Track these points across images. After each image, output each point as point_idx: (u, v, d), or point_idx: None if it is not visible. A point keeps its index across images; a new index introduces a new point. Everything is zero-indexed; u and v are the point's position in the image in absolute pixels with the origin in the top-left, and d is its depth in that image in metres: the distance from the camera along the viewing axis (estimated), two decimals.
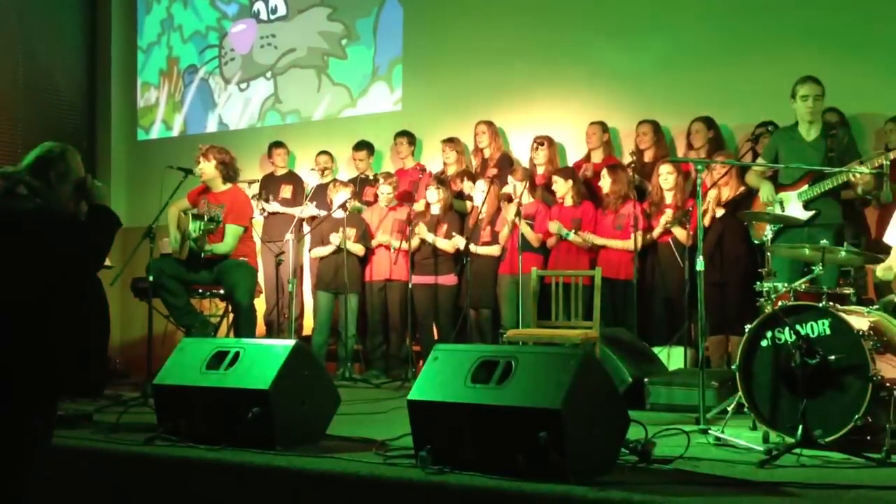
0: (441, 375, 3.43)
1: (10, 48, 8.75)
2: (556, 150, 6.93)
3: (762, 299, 4.16)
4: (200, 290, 6.11)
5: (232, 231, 5.81)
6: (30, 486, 3.06)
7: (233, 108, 8.89)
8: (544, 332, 5.46)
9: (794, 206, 5.04)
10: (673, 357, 5.79)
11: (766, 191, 5.18)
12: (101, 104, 9.46)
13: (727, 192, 5.89)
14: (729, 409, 4.21)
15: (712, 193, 5.84)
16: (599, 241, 6.19)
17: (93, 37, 9.48)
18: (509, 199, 6.46)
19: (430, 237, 6.74)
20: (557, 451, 2.99)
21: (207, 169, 5.92)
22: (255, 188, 7.71)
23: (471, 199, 6.84)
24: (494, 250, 6.58)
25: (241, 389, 3.80)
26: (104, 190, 3.35)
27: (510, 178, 6.48)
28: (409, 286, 6.73)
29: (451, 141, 7.23)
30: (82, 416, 4.54)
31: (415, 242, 6.81)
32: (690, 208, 5.72)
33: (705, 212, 5.53)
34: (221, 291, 6.03)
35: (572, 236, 6.20)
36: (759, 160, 5.41)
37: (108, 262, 6.21)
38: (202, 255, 5.72)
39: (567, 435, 3.00)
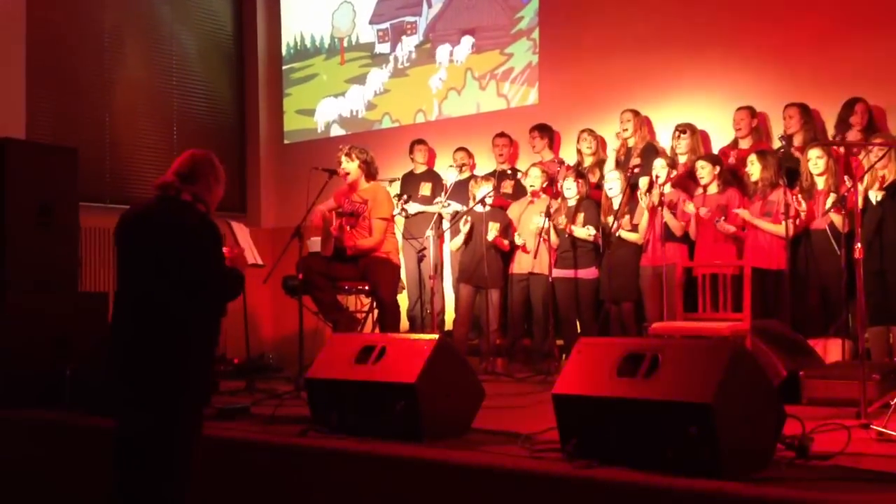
0: (586, 369, 3.41)
1: (166, 51, 9.22)
2: (698, 139, 6.73)
3: None
4: (346, 287, 6.29)
5: (378, 226, 5.97)
6: (186, 488, 3.24)
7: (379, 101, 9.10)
8: (691, 326, 5.32)
9: None
10: (830, 350, 5.54)
11: None
12: (250, 107, 9.88)
13: (887, 176, 5.57)
14: (892, 402, 3.99)
15: (868, 177, 5.53)
16: (754, 220, 5.97)
17: (241, 39, 9.91)
18: (648, 189, 6.34)
19: (569, 227, 6.68)
20: (709, 446, 2.92)
21: (351, 168, 6.10)
22: (396, 186, 7.86)
23: (608, 189, 6.74)
24: (635, 237, 6.46)
25: (388, 383, 3.89)
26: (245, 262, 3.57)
27: (655, 164, 6.35)
28: (550, 280, 6.70)
29: (588, 131, 7.16)
30: (241, 409, 4.75)
31: (554, 237, 6.77)
32: (846, 193, 5.45)
33: (862, 196, 5.25)
34: (366, 287, 6.18)
35: (721, 223, 6.00)
36: None
37: (259, 262, 6.51)
38: (347, 252, 5.89)
39: (719, 430, 2.92)
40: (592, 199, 6.88)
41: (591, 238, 6.64)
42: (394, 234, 6.32)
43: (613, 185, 6.55)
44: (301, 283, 5.84)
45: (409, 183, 7.92)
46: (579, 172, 6.97)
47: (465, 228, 7.01)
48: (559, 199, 6.95)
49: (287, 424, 4.17)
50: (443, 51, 8.67)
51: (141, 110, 8.97)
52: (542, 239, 6.77)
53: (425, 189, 7.83)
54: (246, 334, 6.30)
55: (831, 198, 5.71)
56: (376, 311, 6.17)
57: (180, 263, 3.18)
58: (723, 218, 6.01)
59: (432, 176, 7.98)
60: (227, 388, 5.74)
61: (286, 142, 9.77)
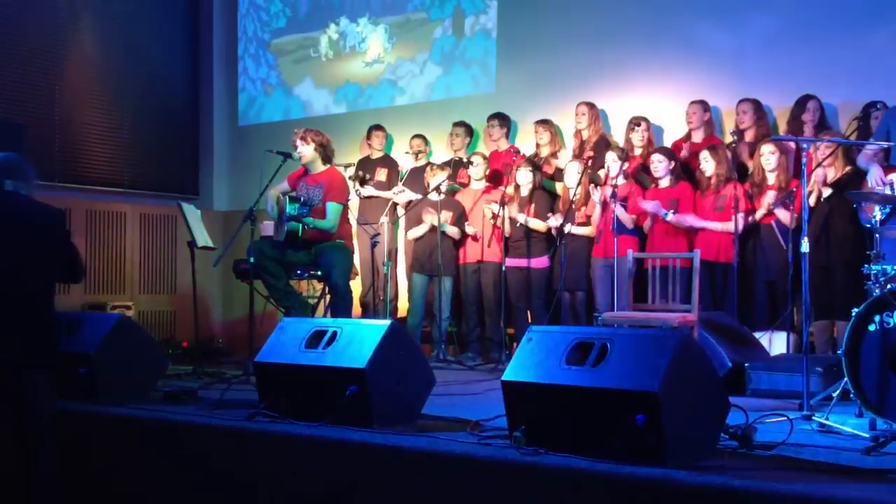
0: (535, 357, 3.42)
1: (113, 32, 9.00)
2: (651, 131, 6.80)
3: (870, 282, 4.02)
4: (299, 272, 6.24)
5: (333, 208, 5.92)
6: (45, 447, 3.54)
7: (336, 90, 9.02)
8: (641, 316, 5.38)
9: None
10: (775, 342, 5.64)
11: (875, 173, 4.98)
12: (204, 89, 9.74)
13: (833, 172, 5.68)
14: (834, 395, 4.08)
15: (817, 174, 5.63)
16: (699, 223, 6.06)
17: (195, 22, 9.75)
18: (597, 183, 6.39)
19: (521, 217, 6.72)
20: (655, 434, 2.96)
21: (306, 151, 6.05)
22: (352, 171, 7.82)
23: (563, 179, 6.79)
24: (588, 230, 6.52)
25: (338, 368, 3.88)
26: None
27: (607, 157, 6.40)
28: (503, 269, 6.72)
29: (544, 122, 7.19)
30: (188, 393, 4.71)
31: (507, 226, 6.79)
32: (794, 189, 5.54)
33: (810, 192, 5.35)
34: (319, 273, 6.15)
35: (670, 216, 6.07)
36: (870, 140, 5.20)
37: (210, 244, 6.43)
38: (300, 234, 5.84)
39: (665, 418, 2.96)
40: (546, 190, 6.92)
41: (544, 229, 6.68)
42: (348, 219, 6.28)
43: (571, 176, 6.59)
44: (252, 267, 5.79)
45: (366, 168, 7.88)
46: (534, 163, 7.00)
47: (428, 219, 6.97)
48: (513, 189, 6.98)
49: (235, 409, 4.14)
50: (400, 35, 8.63)
51: (93, 88, 8.79)
52: (494, 228, 6.80)
53: (381, 175, 7.80)
54: (195, 317, 6.24)
55: (769, 195, 5.80)
56: (329, 297, 6.14)
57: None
58: (672, 211, 6.08)
59: (389, 162, 7.95)
60: (174, 372, 5.68)
61: (241, 123, 9.65)
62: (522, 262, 6.80)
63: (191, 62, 9.73)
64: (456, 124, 7.69)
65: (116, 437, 4.20)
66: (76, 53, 8.68)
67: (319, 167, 6.08)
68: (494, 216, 6.69)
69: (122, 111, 8.97)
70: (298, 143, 6.06)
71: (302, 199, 5.88)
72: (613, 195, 6.13)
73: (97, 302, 8.15)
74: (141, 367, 4.75)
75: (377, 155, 7.98)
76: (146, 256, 8.84)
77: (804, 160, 4.40)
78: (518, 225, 6.76)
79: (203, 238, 6.27)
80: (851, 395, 3.88)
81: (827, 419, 3.79)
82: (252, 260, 5.77)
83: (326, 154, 6.08)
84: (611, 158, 6.41)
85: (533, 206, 6.77)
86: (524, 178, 6.85)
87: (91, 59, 8.79)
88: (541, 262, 6.78)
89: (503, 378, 3.44)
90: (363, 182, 7.59)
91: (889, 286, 3.87)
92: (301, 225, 5.81)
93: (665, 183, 6.29)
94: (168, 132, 9.39)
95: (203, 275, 6.72)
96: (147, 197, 9.04)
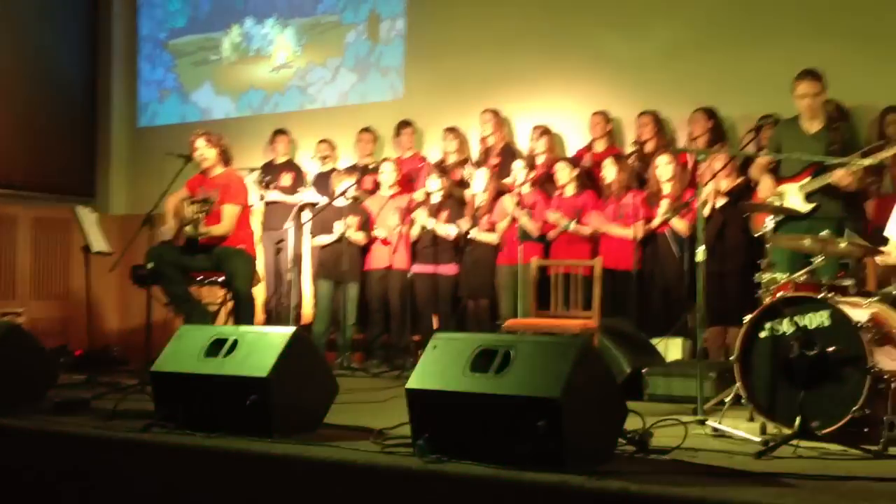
0: (440, 364, 3.42)
1: (9, 31, 8.69)
2: (555, 139, 6.92)
3: (761, 290, 4.16)
4: (199, 278, 6.10)
5: (229, 211, 5.79)
6: None
7: (237, 93, 8.86)
8: (543, 322, 5.45)
9: (794, 198, 5.02)
10: (671, 348, 5.78)
11: (766, 184, 5.17)
12: (102, 89, 9.43)
13: (727, 183, 5.88)
14: (727, 400, 4.21)
15: (712, 184, 5.82)
16: (602, 226, 6.17)
17: (94, 21, 9.45)
18: (503, 191, 6.46)
19: (430, 223, 6.73)
20: (555, 440, 2.99)
21: (209, 154, 5.91)
22: (256, 175, 7.70)
23: (470, 186, 6.84)
24: (493, 238, 6.58)
25: (239, 377, 3.79)
26: None
27: (515, 165, 6.47)
28: (409, 275, 6.72)
29: (452, 130, 7.23)
30: (80, 403, 4.54)
31: (415, 231, 6.80)
32: (690, 199, 5.71)
33: (705, 202, 5.52)
34: (220, 279, 6.02)
35: (573, 226, 6.18)
36: (763, 153, 5.40)
37: (106, 249, 6.24)
38: (198, 238, 5.71)
39: (565, 424, 2.99)
40: (455, 197, 6.95)
41: (453, 236, 6.71)
42: (250, 224, 6.17)
43: (479, 183, 6.63)
44: (150, 273, 5.63)
45: (270, 173, 7.76)
46: (442, 169, 7.02)
47: (339, 228, 6.89)
48: (423, 195, 6.98)
49: (130, 419, 4.01)
50: (307, 39, 8.54)
51: None
52: (400, 234, 6.79)
53: (286, 179, 7.70)
54: (89, 325, 6.04)
55: (663, 204, 5.97)
56: (230, 304, 6.02)
57: None
58: (575, 221, 6.19)
59: (293, 167, 7.85)
60: (66, 381, 5.47)
61: (140, 125, 9.39)
62: (430, 269, 6.81)
63: (89, 61, 9.42)
64: (363, 130, 7.65)
65: (1, 449, 4.02)
66: None
67: (219, 170, 5.96)
68: (400, 225, 6.68)
69: (15, 111, 8.62)
70: (199, 144, 5.92)
71: (201, 199, 5.73)
72: (518, 204, 6.20)
73: None
74: (30, 376, 4.56)
75: (281, 159, 7.88)
76: (39, 261, 8.49)
77: (698, 171, 4.54)
78: (426, 231, 6.77)
79: (99, 243, 6.08)
80: (743, 400, 4.02)
81: (720, 423, 3.90)
82: (150, 265, 5.61)
83: (226, 158, 5.96)
84: (518, 166, 6.49)
85: (445, 213, 6.79)
86: (434, 184, 6.87)
87: None
88: (448, 268, 6.80)
89: (407, 386, 3.43)
90: (267, 186, 7.47)
91: (779, 294, 4.01)
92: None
93: (570, 191, 6.40)
94: (64, 133, 9.07)
95: (99, 281, 6.52)
96: (41, 199, 8.70)
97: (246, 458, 3.45)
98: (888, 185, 4.77)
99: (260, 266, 6.95)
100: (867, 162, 4.76)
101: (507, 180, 6.64)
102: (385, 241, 6.94)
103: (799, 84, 4.97)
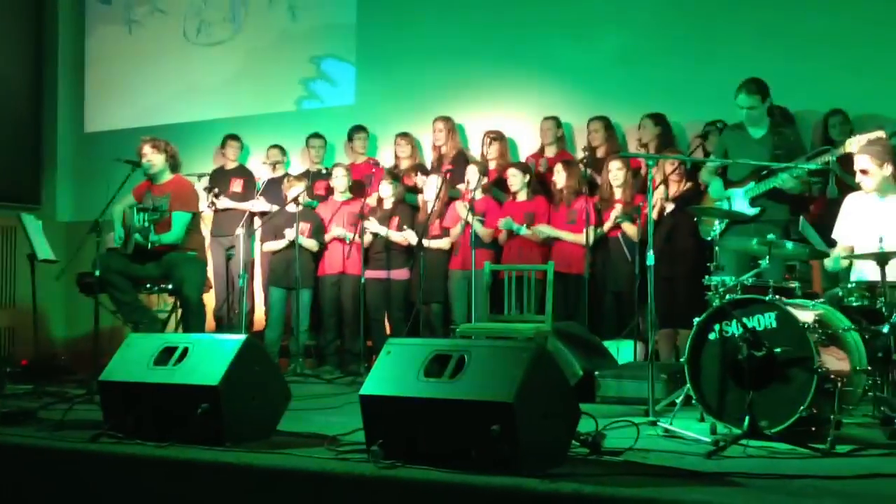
0: (393, 370, 3.42)
1: None
2: (507, 145, 6.96)
3: (710, 293, 4.22)
4: (148, 285, 6.01)
5: (179, 218, 5.72)
6: None
7: (185, 97, 8.76)
8: (497, 327, 5.47)
9: (740, 202, 5.11)
10: (623, 350, 5.84)
11: (715, 188, 5.25)
12: (48, 93, 9.24)
13: (676, 188, 5.96)
14: (677, 401, 4.27)
15: (661, 189, 5.90)
16: (553, 232, 6.22)
17: (39, 24, 9.26)
18: (455, 198, 6.48)
19: (382, 230, 6.73)
20: (509, 444, 3.00)
21: (157, 160, 5.83)
22: (206, 182, 7.61)
23: (422, 192, 6.84)
24: (444, 244, 6.59)
25: (189, 385, 3.74)
26: None
27: (469, 171, 6.49)
28: (362, 281, 6.70)
29: (404, 135, 7.22)
30: (26, 413, 4.44)
31: (367, 237, 6.78)
32: (640, 204, 5.78)
33: (654, 207, 5.59)
34: (170, 286, 5.94)
35: (524, 231, 6.22)
36: (710, 157, 5.48)
37: (53, 257, 6.12)
38: (150, 247, 5.63)
39: (519, 428, 3.00)
40: (407, 203, 6.95)
41: (406, 242, 6.70)
42: (200, 230, 6.10)
43: (430, 189, 6.64)
44: (98, 281, 5.53)
45: (220, 179, 7.68)
46: (394, 175, 7.01)
47: (289, 234, 6.84)
48: (375, 201, 6.97)
49: (78, 430, 3.93)
50: (258, 43, 8.48)
51: None
52: (353, 239, 6.77)
53: (236, 186, 7.62)
54: (35, 334, 5.92)
55: (616, 209, 6.04)
56: (180, 311, 5.94)
57: None
58: (526, 225, 6.23)
59: (244, 172, 7.78)
60: (12, 391, 5.36)
61: (87, 130, 9.22)
62: (382, 274, 6.80)
63: (34, 66, 9.22)
64: (312, 136, 7.61)
65: None
66: None
67: (167, 176, 5.88)
68: (353, 230, 6.66)
69: None
70: (147, 151, 5.83)
71: (150, 208, 5.66)
72: (471, 210, 6.22)
73: None
74: None
75: (232, 165, 7.80)
76: None
77: (650, 176, 4.59)
78: (379, 237, 6.76)
79: (44, 251, 5.96)
80: (693, 401, 4.07)
81: (671, 424, 3.95)
82: (97, 273, 5.51)
83: (175, 164, 5.89)
84: (472, 172, 6.50)
85: (397, 219, 6.78)
86: (386, 190, 6.86)
87: None
88: (401, 273, 6.79)
89: (361, 392, 3.42)
90: (217, 196, 7.39)
91: (728, 296, 4.07)
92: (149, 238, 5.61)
93: (522, 197, 6.44)
94: (8, 138, 8.86)
95: (45, 289, 6.38)
96: None
97: (197, 468, 3.40)
98: (833, 188, 4.86)
99: (210, 272, 6.88)
100: (812, 166, 4.86)
101: (460, 186, 6.65)
102: (341, 240, 6.89)
103: (739, 95, 5.07)
